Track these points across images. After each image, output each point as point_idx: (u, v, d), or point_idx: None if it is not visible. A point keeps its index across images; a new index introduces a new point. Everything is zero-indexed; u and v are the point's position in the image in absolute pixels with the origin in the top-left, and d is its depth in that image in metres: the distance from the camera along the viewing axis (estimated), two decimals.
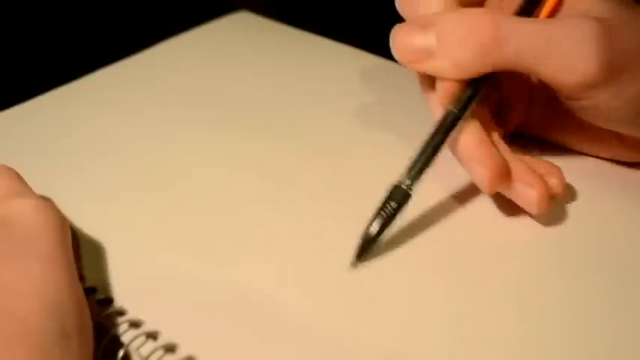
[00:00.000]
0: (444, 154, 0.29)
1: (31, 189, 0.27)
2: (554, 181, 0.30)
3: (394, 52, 0.30)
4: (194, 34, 0.47)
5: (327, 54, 0.44)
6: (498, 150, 0.30)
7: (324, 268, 0.28)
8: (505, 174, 0.29)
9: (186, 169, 0.34)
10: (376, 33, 0.34)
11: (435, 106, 0.31)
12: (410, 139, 0.36)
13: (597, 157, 0.34)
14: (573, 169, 0.33)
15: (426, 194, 0.30)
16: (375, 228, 0.28)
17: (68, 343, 0.22)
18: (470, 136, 0.29)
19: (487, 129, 0.30)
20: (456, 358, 0.25)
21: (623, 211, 0.31)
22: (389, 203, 0.28)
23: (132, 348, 0.25)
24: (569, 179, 0.31)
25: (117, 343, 0.25)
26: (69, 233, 0.27)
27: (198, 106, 0.39)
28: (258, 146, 0.35)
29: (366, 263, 0.28)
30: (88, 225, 0.30)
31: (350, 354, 0.25)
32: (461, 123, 0.29)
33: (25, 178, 0.28)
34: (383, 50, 0.35)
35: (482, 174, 0.29)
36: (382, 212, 0.28)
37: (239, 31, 0.47)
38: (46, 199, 0.27)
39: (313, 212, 0.31)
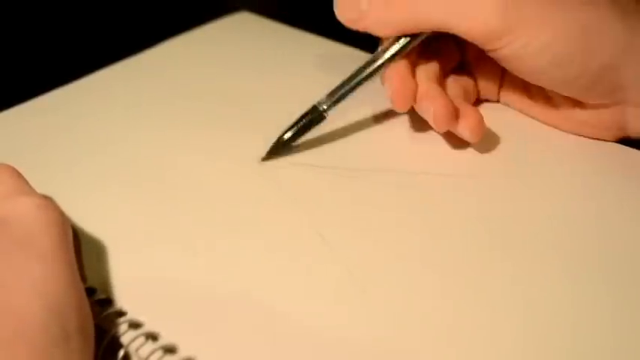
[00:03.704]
0: None
1: (32, 188, 0.27)
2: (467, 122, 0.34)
3: (336, 12, 0.35)
4: (194, 34, 0.47)
5: (327, 54, 0.44)
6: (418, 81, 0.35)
7: (324, 269, 0.28)
8: (410, 93, 0.34)
9: (186, 169, 0.34)
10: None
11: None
12: (408, 135, 0.37)
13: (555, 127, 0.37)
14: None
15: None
16: (287, 135, 0.34)
17: (69, 342, 0.22)
18: (394, 66, 0.34)
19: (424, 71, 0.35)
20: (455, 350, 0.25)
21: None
22: (305, 118, 0.34)
23: (131, 349, 0.25)
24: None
25: (116, 344, 0.25)
26: (70, 232, 0.27)
27: (199, 106, 0.39)
28: (258, 146, 0.35)
29: (365, 263, 0.28)
30: (88, 225, 0.30)
31: (350, 354, 0.25)
32: (386, 64, 0.34)
33: (27, 177, 0.28)
34: None
35: (390, 91, 0.34)
36: (297, 124, 0.34)
37: (239, 32, 0.47)
38: (47, 198, 0.27)
39: (313, 212, 0.31)
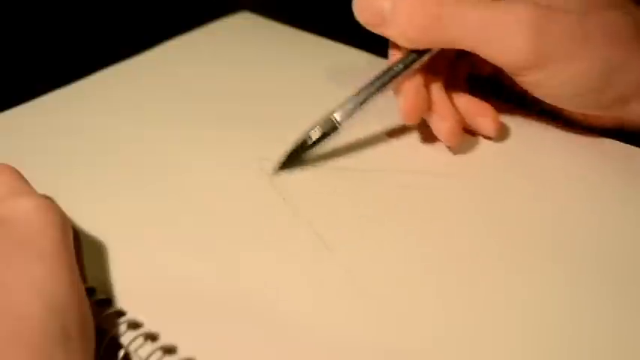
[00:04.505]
0: None
1: (33, 188, 0.28)
2: (486, 121, 0.35)
3: (355, 11, 0.33)
4: (195, 34, 0.47)
5: (327, 54, 0.44)
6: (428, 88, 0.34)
7: (324, 270, 0.28)
8: (424, 107, 0.34)
9: (187, 169, 0.34)
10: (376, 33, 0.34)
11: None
12: (409, 136, 0.37)
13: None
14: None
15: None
16: (300, 147, 0.33)
17: (70, 343, 0.22)
18: (410, 79, 0.33)
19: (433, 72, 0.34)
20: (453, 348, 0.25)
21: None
22: (316, 130, 0.33)
23: (131, 349, 0.25)
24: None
25: (116, 344, 0.25)
26: (71, 233, 0.27)
27: (200, 106, 0.39)
28: (259, 146, 0.35)
29: (365, 263, 0.28)
30: (89, 225, 0.30)
31: (349, 355, 0.25)
32: (399, 79, 0.33)
33: (27, 178, 0.28)
34: (383, 51, 0.36)
35: (405, 105, 0.33)
36: (309, 137, 0.33)
37: (240, 32, 0.47)
38: (48, 199, 0.27)
39: (313, 212, 0.31)
